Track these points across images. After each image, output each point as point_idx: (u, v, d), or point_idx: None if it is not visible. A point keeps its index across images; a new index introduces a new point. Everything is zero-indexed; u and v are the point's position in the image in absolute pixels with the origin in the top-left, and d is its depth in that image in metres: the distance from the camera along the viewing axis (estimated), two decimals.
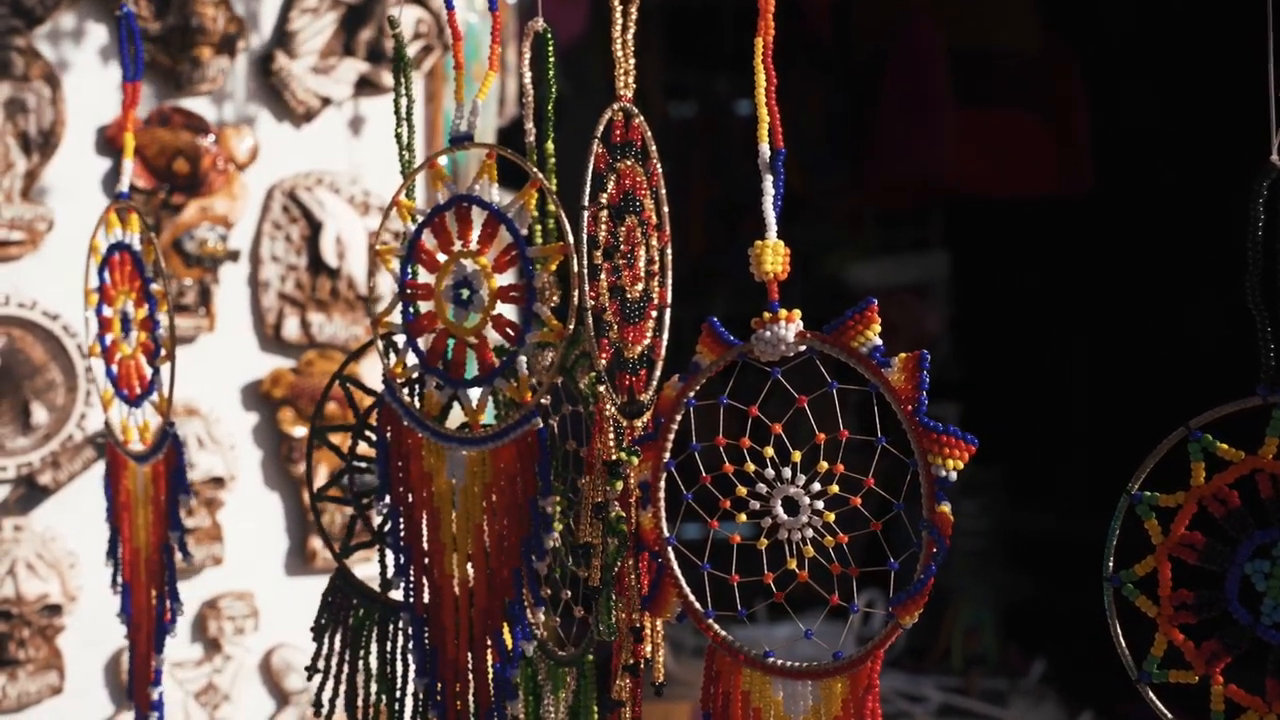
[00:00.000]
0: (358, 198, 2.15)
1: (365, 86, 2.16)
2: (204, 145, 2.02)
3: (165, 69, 2.00)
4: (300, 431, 2.13)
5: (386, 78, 2.15)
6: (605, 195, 1.12)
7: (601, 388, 1.11)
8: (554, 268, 1.11)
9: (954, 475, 0.96)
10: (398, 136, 1.21)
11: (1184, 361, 4.32)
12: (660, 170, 1.17)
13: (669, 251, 1.18)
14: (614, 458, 1.12)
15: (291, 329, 2.12)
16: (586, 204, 1.09)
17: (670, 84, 4.55)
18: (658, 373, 1.17)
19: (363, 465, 1.27)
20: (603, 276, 1.11)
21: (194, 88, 2.02)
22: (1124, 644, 0.94)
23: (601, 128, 1.11)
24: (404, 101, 1.21)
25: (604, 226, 1.12)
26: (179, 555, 1.40)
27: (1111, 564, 0.94)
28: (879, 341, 0.98)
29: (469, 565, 1.17)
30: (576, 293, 1.08)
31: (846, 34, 4.38)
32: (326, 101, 2.13)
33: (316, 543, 2.15)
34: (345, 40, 2.13)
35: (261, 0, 2.09)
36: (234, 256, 2.07)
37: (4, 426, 1.94)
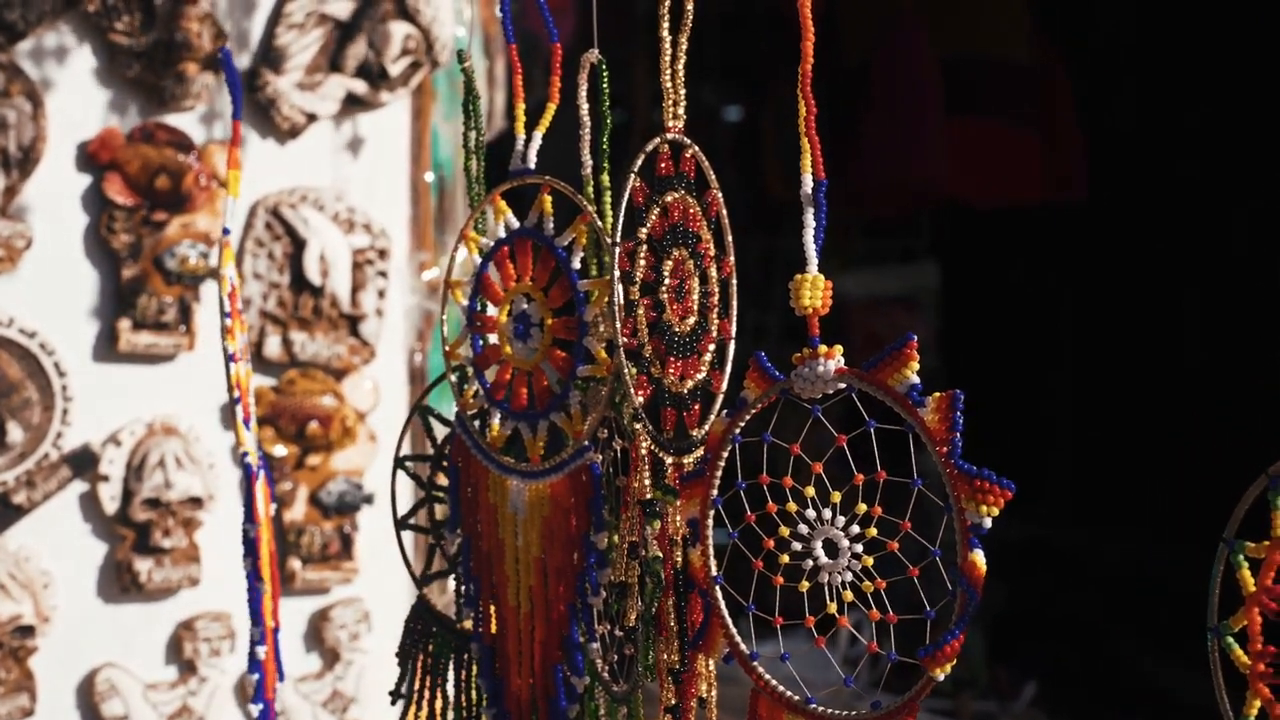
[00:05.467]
0: (342, 215, 2.12)
1: (352, 103, 2.12)
2: (187, 162, 1.99)
3: (149, 85, 1.96)
4: (280, 451, 2.11)
5: (374, 94, 2.12)
6: (645, 229, 1.10)
7: (638, 425, 1.10)
8: (606, 302, 1.10)
9: (988, 521, 0.91)
10: (466, 170, 1.22)
11: (1171, 372, 4.32)
12: (722, 200, 1.16)
13: (733, 283, 1.17)
14: (649, 497, 1.11)
15: (273, 347, 2.10)
16: (618, 240, 1.08)
17: (657, 91, 4.53)
18: (716, 407, 1.15)
19: (440, 495, 1.30)
20: (640, 311, 1.10)
21: (178, 104, 1.98)
22: (1226, 699, 0.88)
23: (639, 161, 1.10)
24: (473, 135, 1.22)
25: (642, 260, 1.10)
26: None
27: (1215, 614, 0.88)
28: (916, 380, 0.95)
29: (530, 597, 1.19)
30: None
31: (835, 42, 4.36)
32: (312, 118, 2.10)
33: (294, 564, 2.12)
34: (332, 56, 2.09)
35: (248, 16, 2.06)
36: (215, 274, 2.04)
37: None
